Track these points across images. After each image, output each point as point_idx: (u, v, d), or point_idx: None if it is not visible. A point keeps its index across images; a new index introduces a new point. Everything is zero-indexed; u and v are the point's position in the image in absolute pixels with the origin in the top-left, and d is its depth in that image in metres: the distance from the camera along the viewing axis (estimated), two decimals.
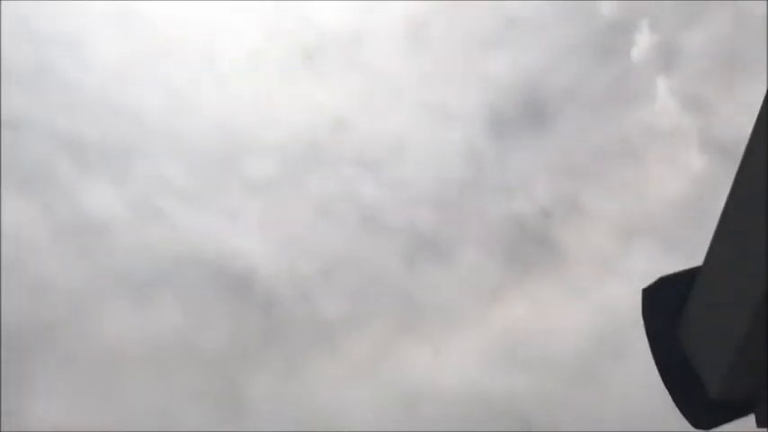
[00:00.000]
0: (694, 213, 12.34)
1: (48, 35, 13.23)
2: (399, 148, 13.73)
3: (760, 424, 2.17)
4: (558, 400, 12.53)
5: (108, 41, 13.26)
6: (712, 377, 2.20)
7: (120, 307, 12.94)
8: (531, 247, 13.77)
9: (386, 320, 13.61)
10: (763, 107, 1.93)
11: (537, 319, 13.36)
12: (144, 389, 12.41)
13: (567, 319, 13.04)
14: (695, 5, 13.05)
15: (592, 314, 12.86)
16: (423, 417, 12.67)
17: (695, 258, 2.29)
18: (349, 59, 13.68)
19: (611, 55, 13.22)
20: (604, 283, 13.08)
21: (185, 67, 13.68)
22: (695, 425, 2.27)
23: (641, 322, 2.42)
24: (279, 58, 13.66)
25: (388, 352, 13.36)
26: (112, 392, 12.30)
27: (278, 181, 13.75)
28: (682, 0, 12.95)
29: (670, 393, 2.32)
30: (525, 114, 13.49)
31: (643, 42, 13.03)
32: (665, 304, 2.31)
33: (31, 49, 13.08)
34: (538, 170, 13.70)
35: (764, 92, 1.94)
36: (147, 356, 12.79)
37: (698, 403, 2.25)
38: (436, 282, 13.59)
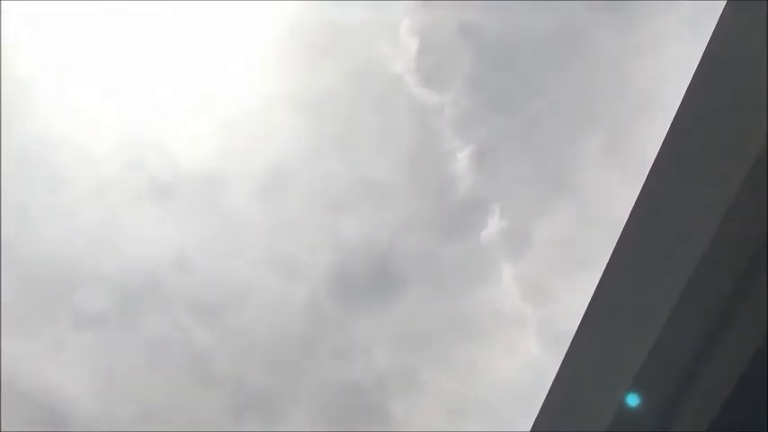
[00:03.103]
0: (525, 398, 12.39)
1: None
2: (240, 297, 13.48)
3: None
4: None
5: None
6: None
7: None
8: (362, 415, 13.54)
9: None
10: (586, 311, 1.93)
11: None
12: None
13: None
14: (545, 197, 13.55)
15: None
16: None
17: None
18: (202, 200, 13.56)
19: (461, 233, 13.48)
20: None
21: (31, 187, 13.28)
22: None
23: None
24: (131, 189, 13.42)
25: None
26: None
27: (110, 316, 13.27)
28: (533, 191, 13.44)
29: None
30: (372, 279, 13.51)
31: (493, 225, 13.37)
32: None
33: None
34: (378, 337, 13.63)
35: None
36: None
37: None
38: None
